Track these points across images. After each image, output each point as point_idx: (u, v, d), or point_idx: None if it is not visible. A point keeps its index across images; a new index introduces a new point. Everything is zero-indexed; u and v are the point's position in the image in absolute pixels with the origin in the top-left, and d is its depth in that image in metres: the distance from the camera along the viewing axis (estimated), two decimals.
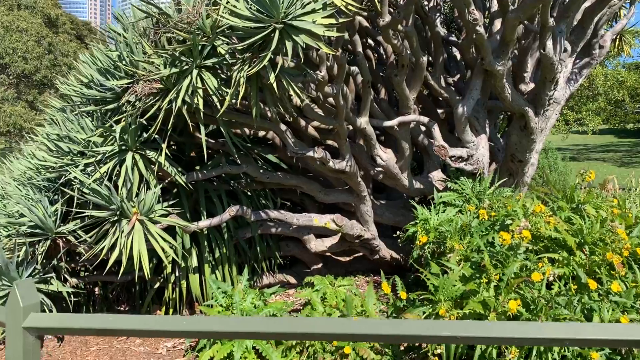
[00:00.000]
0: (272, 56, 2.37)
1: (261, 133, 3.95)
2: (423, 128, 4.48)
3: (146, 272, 2.73)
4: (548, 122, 4.44)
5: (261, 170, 3.64)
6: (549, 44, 3.60)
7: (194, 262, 3.54)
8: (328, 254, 4.95)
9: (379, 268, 4.96)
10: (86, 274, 3.67)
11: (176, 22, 2.49)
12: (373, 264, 4.85)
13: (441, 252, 3.34)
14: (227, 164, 3.27)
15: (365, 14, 3.77)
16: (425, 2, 3.89)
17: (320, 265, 4.76)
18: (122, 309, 3.98)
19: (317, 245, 4.24)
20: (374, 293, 2.94)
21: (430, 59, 4.46)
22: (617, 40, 6.15)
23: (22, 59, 13.74)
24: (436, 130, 3.86)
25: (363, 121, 3.64)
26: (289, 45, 2.31)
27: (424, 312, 2.52)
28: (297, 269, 4.74)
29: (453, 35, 5.28)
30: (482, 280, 2.45)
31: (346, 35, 3.31)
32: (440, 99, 4.36)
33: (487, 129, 5.67)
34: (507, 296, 2.40)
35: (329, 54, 2.72)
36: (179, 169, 3.06)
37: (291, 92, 2.46)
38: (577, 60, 5.06)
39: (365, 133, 3.74)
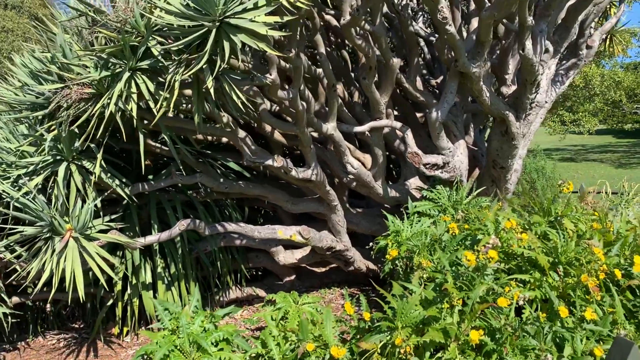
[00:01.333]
0: (213, 57, 2.14)
1: (225, 139, 3.71)
2: (400, 134, 4.25)
3: (80, 294, 2.50)
4: (531, 127, 4.21)
5: (221, 180, 3.40)
6: (528, 44, 3.36)
7: (147, 278, 3.30)
8: (303, 264, 4.72)
9: (356, 279, 4.74)
10: (34, 290, 3.43)
11: (107, 20, 2.26)
12: (351, 275, 4.61)
13: (412, 268, 3.11)
14: (178, 174, 3.03)
15: (332, 12, 3.54)
16: (397, 0, 3.66)
17: (293, 277, 4.53)
18: (76, 326, 3.75)
19: (286, 257, 4.01)
20: (332, 316, 2.70)
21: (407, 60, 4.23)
22: (608, 40, 5.92)
23: (8, 59, 13.52)
24: (409, 136, 3.62)
25: (330, 127, 3.40)
26: (226, 45, 2.07)
27: (381, 340, 2.28)
28: (268, 281, 4.51)
29: (437, 35, 5.05)
30: (444, 305, 2.22)
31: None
32: (418, 102, 4.12)
33: (472, 133, 5.45)
34: (470, 323, 2.17)
35: (282, 55, 2.48)
36: (123, 180, 2.83)
37: (234, 97, 2.23)
38: (563, 62, 4.83)
39: (334, 139, 3.50)
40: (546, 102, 4.57)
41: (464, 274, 2.35)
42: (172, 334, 2.70)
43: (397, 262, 3.32)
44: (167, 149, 3.20)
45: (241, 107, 2.24)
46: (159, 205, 3.30)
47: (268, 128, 3.57)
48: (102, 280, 2.55)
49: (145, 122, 2.81)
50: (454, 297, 2.22)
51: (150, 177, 3.30)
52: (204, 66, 2.15)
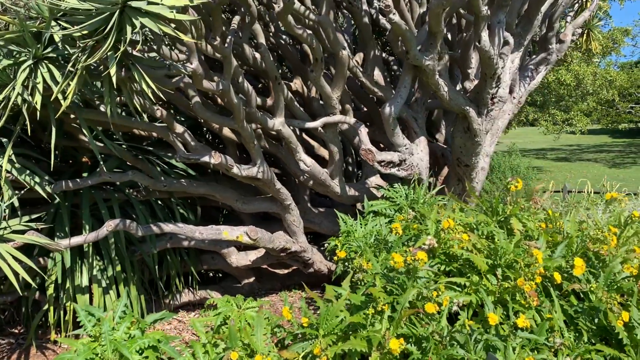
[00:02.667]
0: (117, 45, 1.98)
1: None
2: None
3: None
4: (495, 123, 4.05)
5: (163, 178, 3.24)
6: (485, 35, 3.21)
7: (84, 281, 3.13)
8: (262, 266, 4.56)
9: (319, 281, 4.58)
10: None
11: (8, 4, 2.10)
12: (313, 277, 4.45)
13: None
14: (108, 172, 2.87)
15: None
16: None
17: (252, 279, 4.37)
18: (16, 331, 3.58)
19: (239, 259, 3.85)
20: (264, 322, 2.54)
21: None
22: (585, 35, 5.77)
23: None
24: (363, 133, 3.47)
25: (277, 122, 3.24)
26: (128, 29, 1.91)
27: (303, 349, 2.12)
28: (226, 283, 4.34)
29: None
30: (368, 311, 2.06)
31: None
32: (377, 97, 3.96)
33: (443, 130, 5.29)
34: (395, 331, 2.01)
35: (197, 42, 2.32)
36: (46, 178, 2.66)
37: (144, 86, 2.07)
38: (533, 56, 4.68)
39: (283, 135, 3.34)
40: (514, 97, 4.42)
41: (396, 277, 2.19)
42: (94, 341, 2.53)
43: (346, 263, 3.17)
44: (101, 144, 3.04)
45: (152, 97, 2.07)
46: (95, 205, 3.13)
47: (216, 124, 3.41)
48: (49, 280, 2.39)
49: (66, 115, 2.64)
50: (380, 302, 2.06)
51: (85, 174, 3.14)
52: (108, 53, 1.99)
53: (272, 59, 2.93)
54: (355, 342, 1.97)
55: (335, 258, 3.08)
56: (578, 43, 5.55)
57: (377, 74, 4.02)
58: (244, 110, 2.81)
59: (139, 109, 2.33)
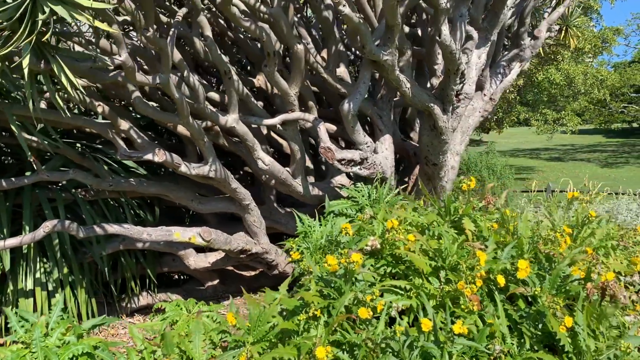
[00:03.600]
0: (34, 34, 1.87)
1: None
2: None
3: None
4: (462, 121, 3.95)
5: (112, 177, 3.12)
6: (445, 29, 3.10)
7: (28, 284, 3.01)
8: (230, 268, 4.44)
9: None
10: None
11: None
12: (280, 279, 4.33)
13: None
14: (48, 170, 2.75)
15: None
16: None
17: (216, 282, 4.25)
18: None
19: (197, 261, 3.73)
20: (202, 327, 2.42)
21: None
22: (563, 32, 5.67)
23: None
24: (322, 130, 3.35)
25: (230, 119, 3.13)
26: (41, 17, 1.80)
27: (233, 357, 2.01)
28: (189, 286, 4.22)
29: None
30: (300, 317, 1.94)
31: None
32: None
33: (417, 128, 5.18)
34: (327, 337, 1.89)
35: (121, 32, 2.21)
36: None
37: (63, 79, 1.95)
38: (505, 52, 4.58)
39: (237, 133, 3.23)
40: (484, 94, 4.32)
41: (334, 281, 2.08)
42: (25, 347, 2.41)
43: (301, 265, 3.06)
44: (46, 142, 2.92)
45: (70, 90, 1.96)
46: (37, 206, 3.01)
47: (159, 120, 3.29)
48: None
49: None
50: (313, 306, 1.95)
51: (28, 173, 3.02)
52: (22, 43, 1.87)
53: (219, 52, 2.81)
54: (284, 350, 1.86)
55: (289, 260, 2.97)
56: (564, 41, 5.44)
57: (342, 70, 3.90)
58: (187, 105, 2.70)
59: (69, 104, 2.20)
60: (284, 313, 2.16)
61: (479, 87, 4.25)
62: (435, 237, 2.45)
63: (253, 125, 3.53)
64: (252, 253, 3.68)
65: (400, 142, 4.51)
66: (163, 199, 3.73)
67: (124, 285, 3.63)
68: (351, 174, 3.76)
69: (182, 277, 4.46)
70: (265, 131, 4.17)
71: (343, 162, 3.39)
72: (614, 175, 18.57)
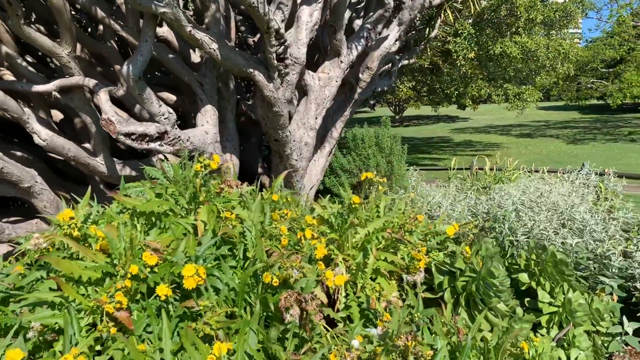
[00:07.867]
0: None
1: None
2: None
3: None
4: (315, 91, 3.42)
5: None
6: None
7: None
8: None
9: None
10: None
11: None
12: None
13: None
14: None
15: None
16: None
17: None
18: None
19: None
20: None
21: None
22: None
23: None
24: (102, 99, 2.80)
25: None
26: None
27: None
28: None
29: None
30: None
31: None
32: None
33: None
34: None
35: None
36: None
37: None
38: (371, 14, 4.03)
39: None
40: (342, 61, 3.78)
41: None
42: None
43: None
44: None
45: None
46: None
47: None
48: None
49: None
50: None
51: None
52: None
53: None
54: None
55: None
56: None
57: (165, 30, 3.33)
58: None
59: None
60: None
61: (336, 53, 3.72)
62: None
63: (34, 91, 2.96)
64: None
65: (252, 120, 4.00)
66: None
67: None
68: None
69: None
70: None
71: (133, 137, 2.86)
72: (577, 152, 18.35)
